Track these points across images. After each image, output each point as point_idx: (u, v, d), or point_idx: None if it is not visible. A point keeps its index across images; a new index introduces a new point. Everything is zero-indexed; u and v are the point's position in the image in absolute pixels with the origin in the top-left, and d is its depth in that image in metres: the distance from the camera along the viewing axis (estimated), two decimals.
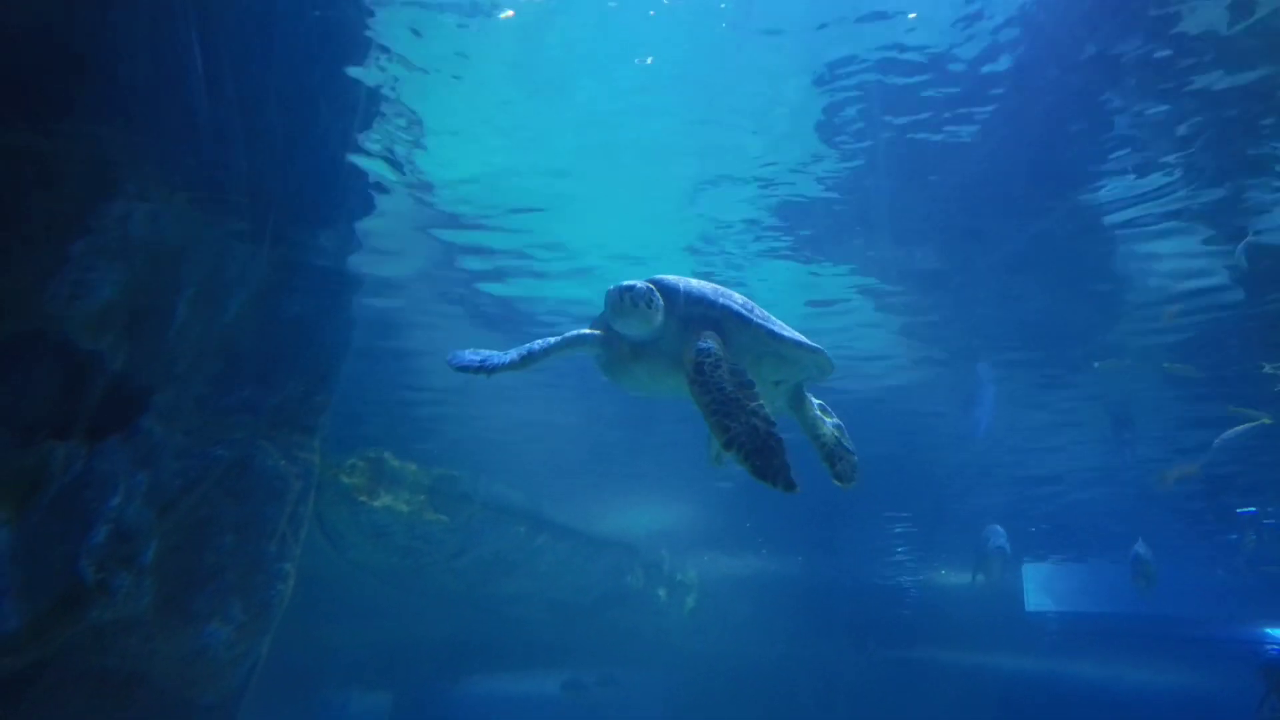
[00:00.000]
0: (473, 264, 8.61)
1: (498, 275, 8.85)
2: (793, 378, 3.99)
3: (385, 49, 5.69)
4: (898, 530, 20.93)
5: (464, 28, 5.55)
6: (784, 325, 3.88)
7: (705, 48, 5.81)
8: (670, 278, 3.65)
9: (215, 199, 6.22)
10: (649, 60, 5.92)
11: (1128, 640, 21.05)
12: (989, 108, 6.20)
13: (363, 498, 10.31)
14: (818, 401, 4.26)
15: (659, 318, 3.50)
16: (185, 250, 6.23)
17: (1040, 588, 28.18)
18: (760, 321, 3.70)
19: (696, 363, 3.36)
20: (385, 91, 6.08)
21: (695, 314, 3.57)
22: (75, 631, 5.51)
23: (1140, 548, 11.87)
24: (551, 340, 3.76)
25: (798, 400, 4.09)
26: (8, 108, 5.04)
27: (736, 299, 3.73)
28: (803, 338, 3.87)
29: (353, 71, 5.87)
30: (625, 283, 3.48)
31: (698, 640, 18.82)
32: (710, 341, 3.45)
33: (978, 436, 12.43)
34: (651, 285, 3.53)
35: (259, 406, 7.30)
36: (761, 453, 3.15)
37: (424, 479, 11.24)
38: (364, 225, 7.68)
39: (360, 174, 6.93)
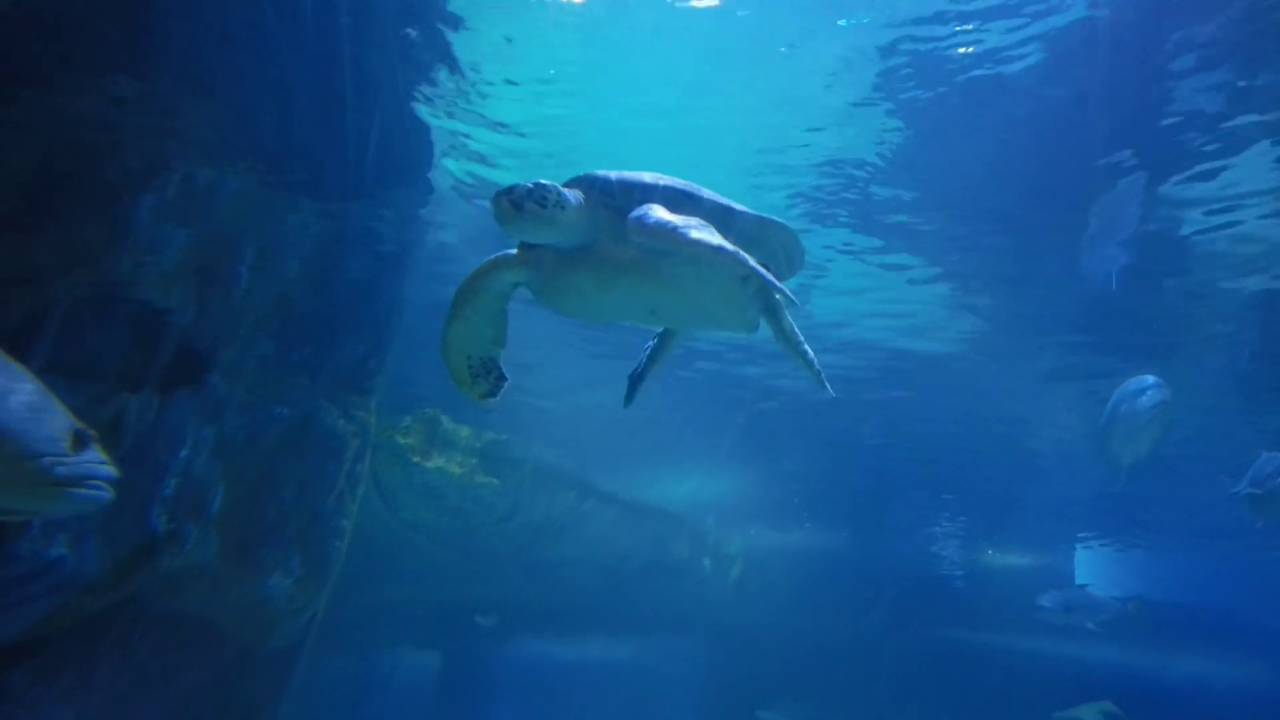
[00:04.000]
0: None
1: None
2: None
3: (454, 18, 5.68)
4: (948, 512, 20.63)
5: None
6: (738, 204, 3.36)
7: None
8: (601, 171, 3.17)
9: (275, 163, 6.34)
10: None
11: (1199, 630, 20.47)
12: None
13: (416, 459, 10.54)
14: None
15: (570, 216, 2.99)
16: (247, 213, 6.37)
17: (1095, 573, 27.57)
18: (710, 197, 3.21)
19: (655, 225, 2.87)
20: (448, 58, 6.09)
21: (634, 201, 3.07)
22: (148, 578, 5.75)
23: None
24: (464, 285, 3.29)
25: (772, 311, 3.50)
26: (74, 73, 5.18)
27: (681, 181, 3.22)
28: (765, 215, 3.32)
29: (415, 35, 5.88)
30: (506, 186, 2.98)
31: (741, 612, 18.88)
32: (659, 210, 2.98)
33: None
34: (544, 185, 2.97)
35: (318, 367, 7.48)
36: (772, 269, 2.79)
37: (476, 442, 11.44)
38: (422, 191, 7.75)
39: (420, 140, 6.97)
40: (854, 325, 10.73)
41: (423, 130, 6.88)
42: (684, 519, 17.03)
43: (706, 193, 3.22)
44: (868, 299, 9.97)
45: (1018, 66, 6.00)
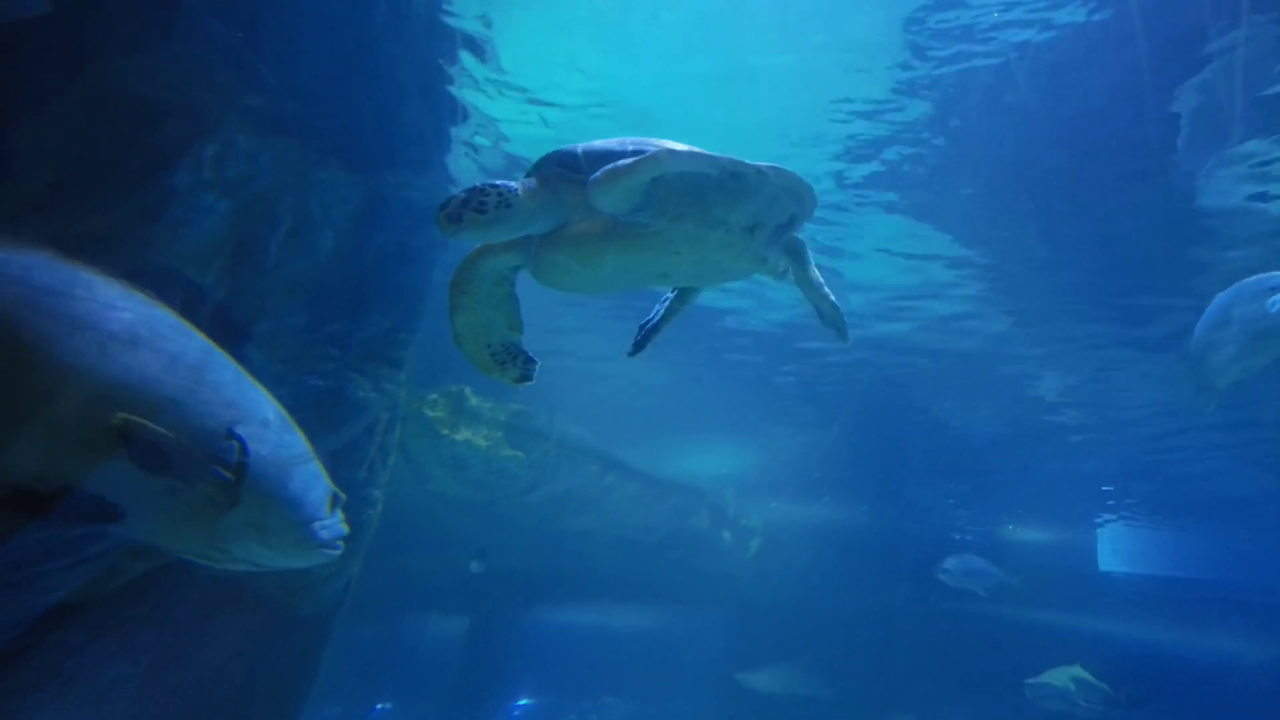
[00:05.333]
0: None
1: None
2: (761, 217, 3.06)
3: None
4: (967, 484, 20.61)
5: None
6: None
7: None
8: (568, 146, 3.01)
9: (308, 136, 6.42)
10: None
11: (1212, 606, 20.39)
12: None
13: (444, 431, 10.73)
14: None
15: (522, 207, 2.85)
16: (281, 186, 6.46)
17: (1116, 550, 27.46)
18: (687, 150, 2.90)
19: (598, 176, 2.70)
20: (476, 31, 6.11)
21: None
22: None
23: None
24: (456, 274, 3.19)
25: (789, 249, 3.27)
26: (108, 45, 5.26)
27: (655, 141, 2.96)
28: (750, 162, 2.99)
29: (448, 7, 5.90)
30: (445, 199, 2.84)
31: (760, 584, 19.07)
32: None
33: None
34: (480, 188, 2.83)
35: (348, 340, 7.61)
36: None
37: (501, 415, 11.62)
38: (453, 165, 7.82)
39: (450, 114, 7.02)
40: (883, 306, 10.72)
41: (451, 100, 6.93)
42: (704, 493, 17.18)
43: (682, 147, 2.95)
44: (896, 276, 9.96)
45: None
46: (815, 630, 19.06)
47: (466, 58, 6.45)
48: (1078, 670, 14.03)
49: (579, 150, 2.95)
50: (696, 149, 2.79)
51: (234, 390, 3.48)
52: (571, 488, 13.47)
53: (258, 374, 6.68)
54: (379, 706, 16.77)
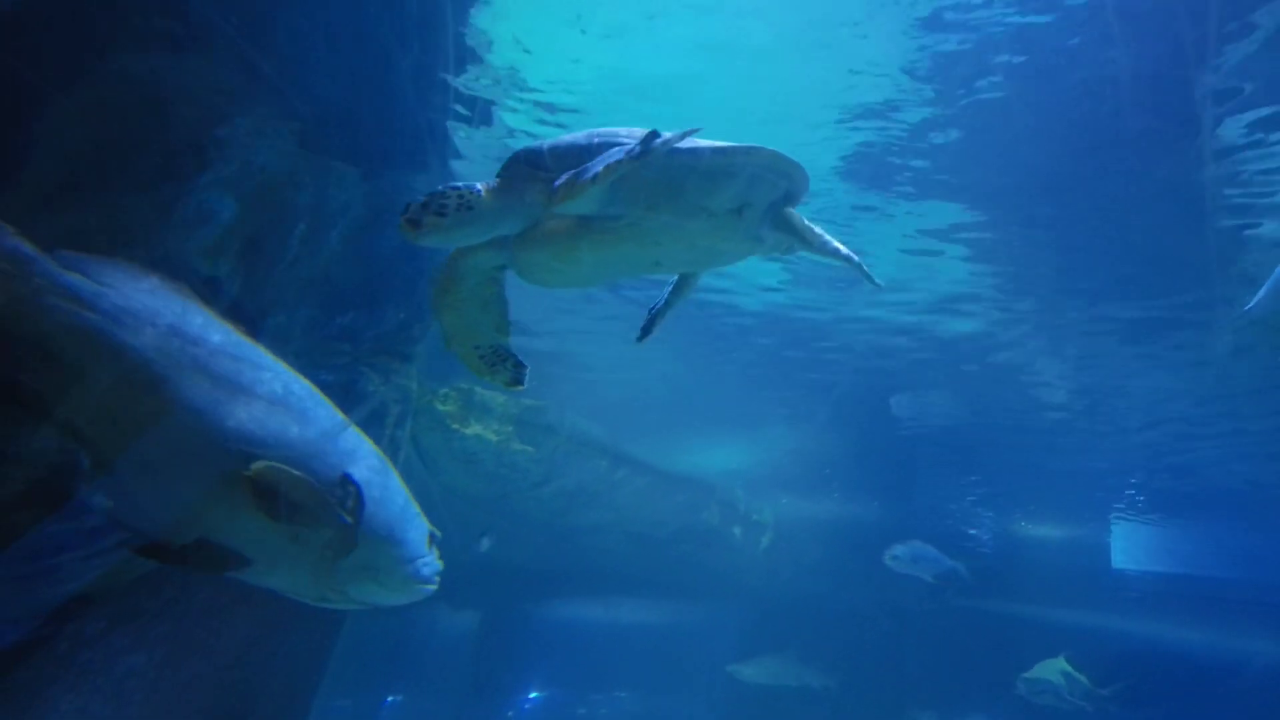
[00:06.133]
0: None
1: None
2: (746, 198, 2.91)
3: None
4: (978, 481, 20.53)
5: None
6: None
7: None
8: (536, 143, 2.95)
9: (317, 131, 6.44)
10: None
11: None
12: None
13: (455, 425, 10.78)
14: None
15: (486, 208, 2.80)
16: (293, 181, 6.49)
17: (1130, 546, 27.28)
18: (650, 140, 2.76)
19: (555, 190, 2.64)
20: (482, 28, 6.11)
21: (571, 165, 2.78)
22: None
23: None
24: (438, 274, 3.15)
25: (786, 224, 3.14)
26: (119, 42, 5.29)
27: (624, 130, 2.87)
28: (723, 144, 2.85)
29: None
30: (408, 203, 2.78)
31: (771, 579, 19.07)
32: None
33: None
34: (440, 191, 2.80)
35: (359, 334, 7.64)
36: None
37: (512, 409, 11.67)
38: (458, 165, 7.83)
39: (458, 107, 7.03)
40: (893, 294, 10.68)
41: (452, 107, 6.94)
42: (714, 488, 17.18)
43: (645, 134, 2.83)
44: (907, 270, 9.92)
45: None
46: (827, 626, 19.04)
47: (471, 57, 6.46)
48: (1062, 663, 14.01)
49: (545, 147, 2.88)
50: (671, 135, 2.69)
51: (344, 435, 3.62)
52: (582, 482, 13.51)
53: None
54: (390, 699, 16.88)
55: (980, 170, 7.76)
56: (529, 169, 2.87)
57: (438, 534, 3.60)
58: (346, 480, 3.37)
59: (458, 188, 2.82)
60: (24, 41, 4.27)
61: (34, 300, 3.00)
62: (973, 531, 25.54)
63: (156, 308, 3.32)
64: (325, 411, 3.64)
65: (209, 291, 6.18)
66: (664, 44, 6.45)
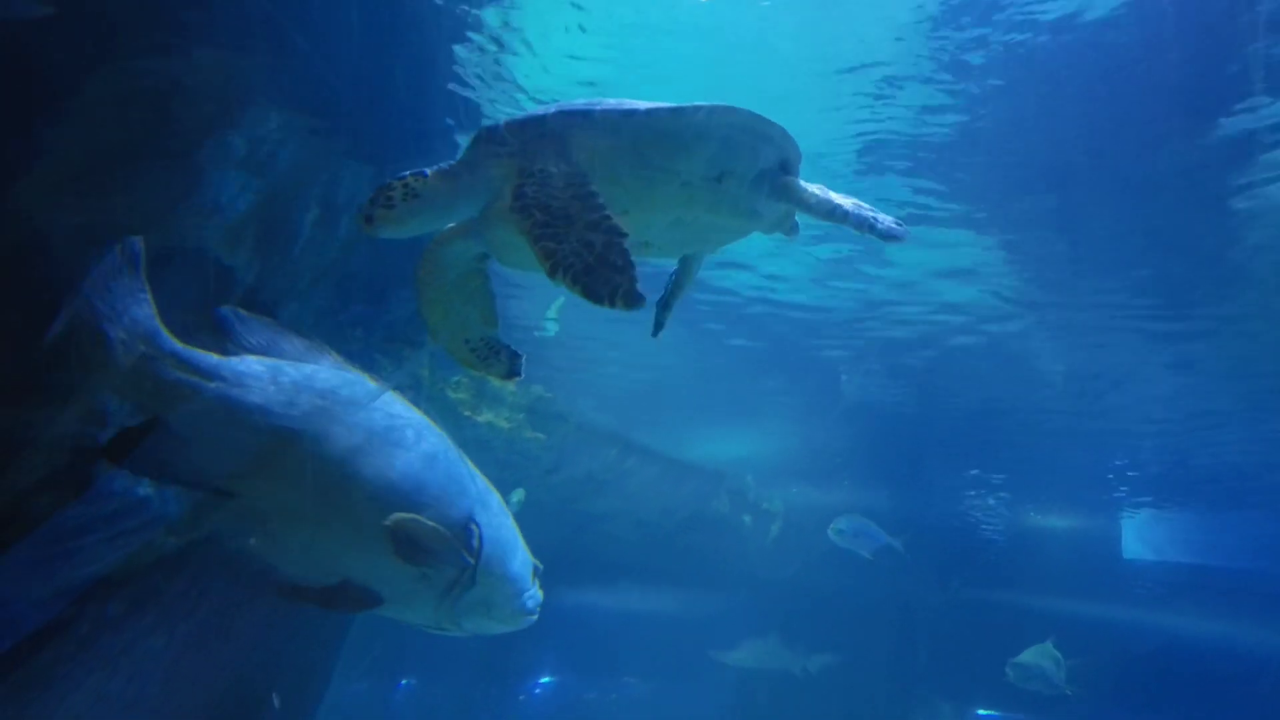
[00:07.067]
0: None
1: None
2: (724, 164, 2.75)
3: None
4: (989, 472, 20.48)
5: None
6: (661, 105, 2.75)
7: None
8: (494, 120, 2.89)
9: (327, 121, 6.48)
10: None
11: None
12: None
13: (467, 412, 10.85)
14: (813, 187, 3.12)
15: (436, 193, 2.75)
16: (307, 171, 6.54)
17: (1139, 537, 27.16)
18: (604, 107, 2.68)
19: (515, 192, 2.54)
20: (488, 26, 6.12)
21: (530, 140, 2.68)
22: (219, 520, 6.08)
23: None
24: (417, 266, 3.03)
25: (782, 190, 2.97)
26: (139, 31, 5.34)
27: (579, 102, 2.77)
28: (687, 104, 2.68)
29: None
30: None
31: (780, 567, 19.13)
32: (542, 164, 2.60)
33: None
34: (388, 183, 2.79)
35: (371, 322, 7.71)
36: (593, 270, 2.37)
37: (523, 398, 11.73)
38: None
39: (463, 101, 7.06)
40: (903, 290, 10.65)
41: (457, 100, 6.96)
42: (724, 476, 17.22)
43: (602, 105, 2.73)
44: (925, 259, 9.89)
45: None
46: (836, 614, 19.10)
47: (476, 53, 6.48)
48: (1048, 647, 13.98)
49: (501, 123, 2.82)
50: (627, 103, 2.62)
51: (466, 479, 3.84)
52: (592, 470, 13.58)
53: None
54: (403, 682, 17.09)
55: (998, 158, 7.72)
56: (488, 146, 2.81)
57: (540, 567, 3.83)
58: (471, 523, 3.60)
59: (403, 176, 2.80)
60: (51, 31, 4.32)
61: (156, 375, 3.48)
62: (983, 523, 25.50)
63: (281, 367, 3.55)
64: (451, 453, 3.84)
65: (227, 280, 6.26)
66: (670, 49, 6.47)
